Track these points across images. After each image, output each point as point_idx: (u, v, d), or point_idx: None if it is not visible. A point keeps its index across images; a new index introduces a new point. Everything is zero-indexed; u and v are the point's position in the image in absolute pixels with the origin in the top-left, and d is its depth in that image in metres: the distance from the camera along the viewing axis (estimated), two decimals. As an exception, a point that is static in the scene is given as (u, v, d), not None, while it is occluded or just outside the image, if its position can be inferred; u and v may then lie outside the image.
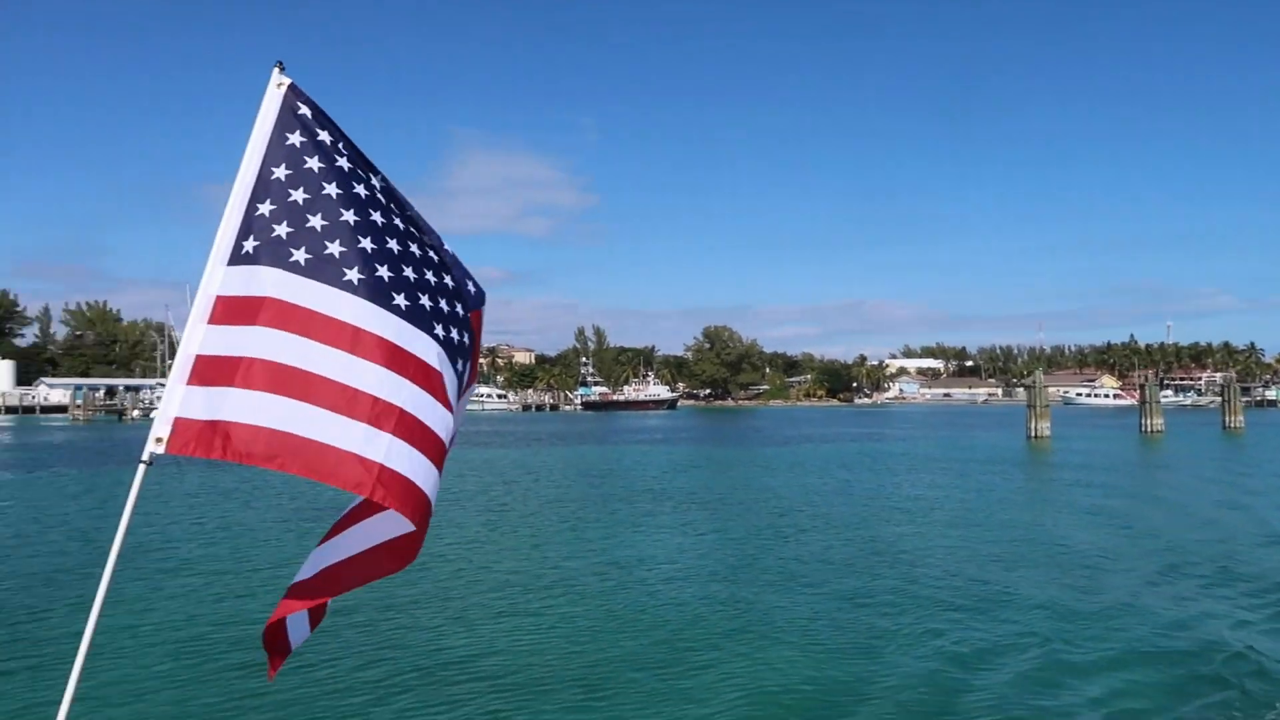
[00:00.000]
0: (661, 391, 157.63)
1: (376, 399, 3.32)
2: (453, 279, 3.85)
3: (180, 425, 3.25)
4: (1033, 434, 60.37)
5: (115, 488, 32.85)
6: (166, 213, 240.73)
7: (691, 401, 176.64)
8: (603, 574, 17.46)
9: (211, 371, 3.29)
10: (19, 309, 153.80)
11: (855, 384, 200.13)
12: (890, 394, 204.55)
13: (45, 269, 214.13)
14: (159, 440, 3.25)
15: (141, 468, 3.24)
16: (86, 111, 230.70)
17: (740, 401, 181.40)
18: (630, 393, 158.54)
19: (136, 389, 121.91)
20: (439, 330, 3.59)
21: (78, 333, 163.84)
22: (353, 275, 3.44)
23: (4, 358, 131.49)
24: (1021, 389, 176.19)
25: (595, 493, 31.35)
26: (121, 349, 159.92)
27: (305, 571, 3.74)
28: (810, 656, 12.09)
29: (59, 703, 3.20)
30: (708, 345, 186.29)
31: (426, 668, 11.61)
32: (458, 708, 10.23)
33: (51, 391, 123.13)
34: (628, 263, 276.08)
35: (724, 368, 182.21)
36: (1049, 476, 38.05)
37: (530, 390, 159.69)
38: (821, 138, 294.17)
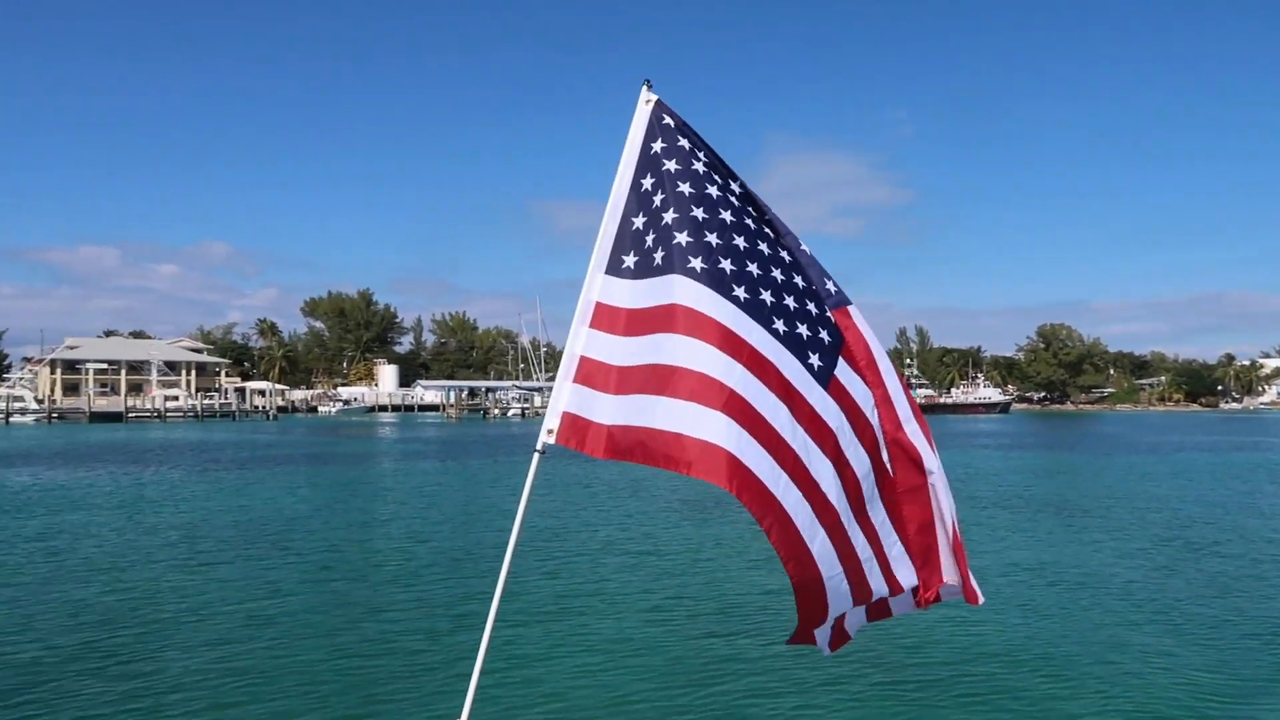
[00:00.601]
0: (993, 394, 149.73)
1: (709, 379, 3.41)
2: (805, 279, 3.91)
3: (567, 419, 3.54)
4: None
5: (512, 476, 37.37)
6: (503, 229, 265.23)
7: (1025, 405, 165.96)
8: (1007, 574, 17.51)
9: (592, 373, 3.57)
10: (398, 320, 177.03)
11: (1220, 387, 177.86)
12: (1266, 398, 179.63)
13: (413, 284, 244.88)
14: (550, 432, 3.53)
15: (536, 456, 3.49)
16: (435, 135, 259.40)
17: (1081, 405, 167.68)
18: (959, 395, 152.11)
19: (493, 390, 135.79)
20: (778, 325, 3.64)
21: (442, 340, 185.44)
22: (696, 264, 3.58)
23: (389, 363, 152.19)
24: None
25: (960, 494, 30.92)
26: (478, 354, 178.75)
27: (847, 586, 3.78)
28: (1268, 664, 11.56)
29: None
30: (1043, 345, 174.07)
31: (881, 651, 12.49)
32: (923, 697, 11.00)
33: (426, 392, 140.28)
34: (945, 260, 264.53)
35: (1061, 369, 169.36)
36: None
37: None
38: (1160, 123, 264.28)
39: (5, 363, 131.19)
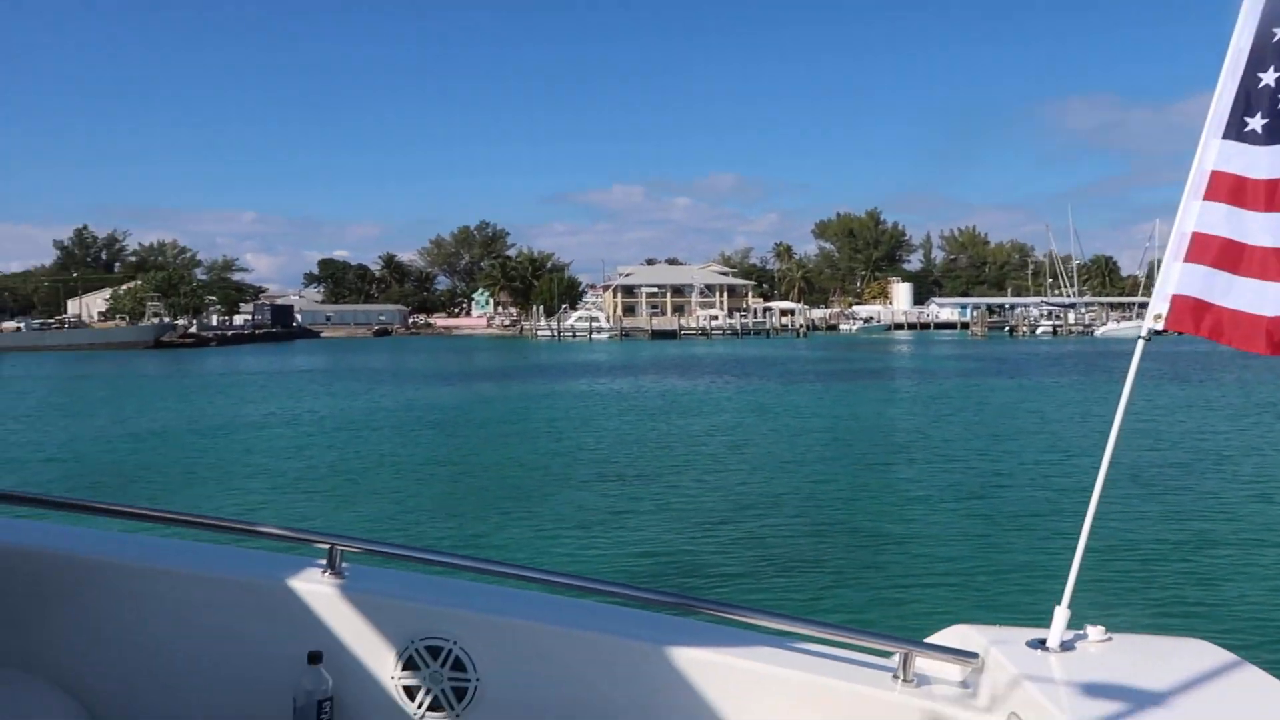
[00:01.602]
0: None
1: None
2: None
3: (1179, 302, 3.18)
4: None
5: (1109, 399, 35.60)
6: (1002, 136, 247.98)
7: None
8: None
9: (1206, 250, 3.16)
10: (906, 238, 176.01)
11: None
12: None
13: (908, 200, 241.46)
14: (1157, 317, 3.22)
15: (1140, 343, 3.27)
16: (919, 45, 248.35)
17: None
18: None
19: (1016, 307, 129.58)
20: None
21: (952, 257, 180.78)
22: None
23: (902, 281, 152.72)
24: None
25: None
26: (990, 270, 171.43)
27: None
28: None
29: None
30: None
31: None
32: None
33: (941, 310, 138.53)
34: None
35: None
36: None
37: None
38: None
39: (580, 289, 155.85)
